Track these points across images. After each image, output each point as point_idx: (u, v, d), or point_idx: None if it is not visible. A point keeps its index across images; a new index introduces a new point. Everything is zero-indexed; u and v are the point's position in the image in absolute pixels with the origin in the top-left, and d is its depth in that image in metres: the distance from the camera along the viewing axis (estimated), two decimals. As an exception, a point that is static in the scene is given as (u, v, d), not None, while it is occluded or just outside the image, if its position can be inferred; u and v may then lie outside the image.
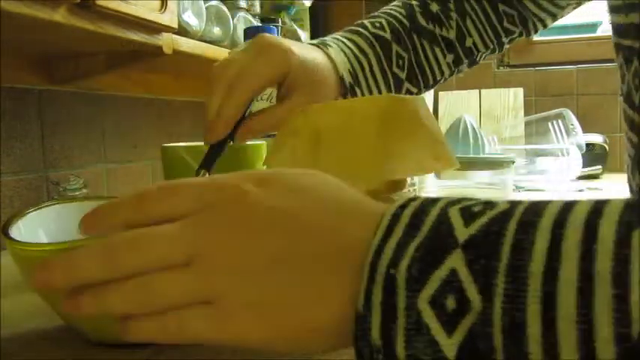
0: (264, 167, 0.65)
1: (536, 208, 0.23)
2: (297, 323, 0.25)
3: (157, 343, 0.27)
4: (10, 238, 0.35)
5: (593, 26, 2.00)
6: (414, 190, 0.86)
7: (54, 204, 0.44)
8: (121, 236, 0.27)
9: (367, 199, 0.28)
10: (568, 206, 0.23)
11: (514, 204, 0.24)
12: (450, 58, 0.63)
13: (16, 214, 0.40)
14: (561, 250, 0.21)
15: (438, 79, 0.64)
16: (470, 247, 0.23)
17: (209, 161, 0.49)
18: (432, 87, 0.65)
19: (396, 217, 0.25)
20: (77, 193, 0.76)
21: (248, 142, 0.67)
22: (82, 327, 0.38)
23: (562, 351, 0.20)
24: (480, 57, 0.66)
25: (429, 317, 0.22)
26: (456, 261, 0.22)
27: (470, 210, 0.24)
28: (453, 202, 0.25)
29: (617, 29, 0.47)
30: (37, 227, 0.41)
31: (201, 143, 0.65)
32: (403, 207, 0.25)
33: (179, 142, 0.66)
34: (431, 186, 1.15)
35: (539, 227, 0.22)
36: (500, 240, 0.22)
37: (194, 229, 0.26)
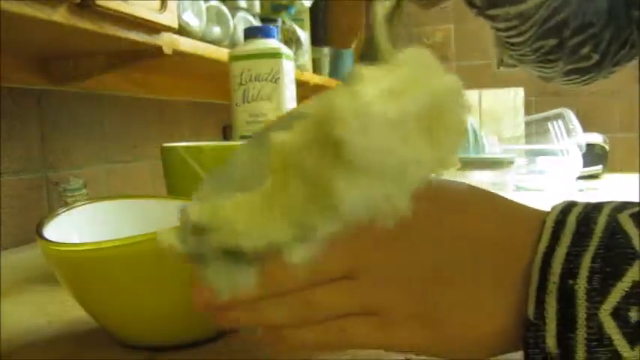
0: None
1: None
2: (461, 333, 0.26)
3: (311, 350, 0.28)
4: (45, 239, 0.36)
5: (593, 26, 1.99)
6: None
7: (84, 204, 0.45)
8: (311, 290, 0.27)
9: (520, 203, 0.28)
10: None
11: None
12: None
13: (48, 215, 0.40)
14: None
15: None
16: None
17: None
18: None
19: (560, 224, 0.25)
20: (77, 193, 0.76)
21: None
22: (111, 328, 0.38)
23: None
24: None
25: (612, 329, 0.22)
26: (638, 272, 0.22)
27: None
28: (618, 207, 0.25)
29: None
30: (69, 228, 0.41)
31: (202, 143, 0.65)
32: (565, 212, 0.25)
33: (179, 142, 0.66)
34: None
35: None
36: None
37: (356, 243, 0.26)
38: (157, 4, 0.75)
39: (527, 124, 1.65)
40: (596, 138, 1.53)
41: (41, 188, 0.87)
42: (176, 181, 0.63)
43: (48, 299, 0.51)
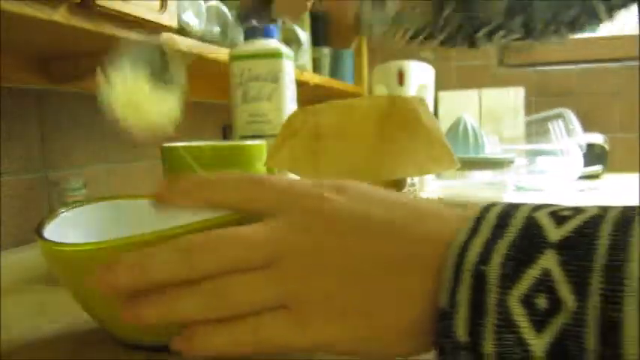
0: (265, 167, 0.65)
1: (630, 212, 0.23)
2: (382, 324, 0.26)
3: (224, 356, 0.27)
4: (44, 239, 0.36)
5: (593, 26, 1.99)
6: (414, 190, 0.86)
7: (84, 204, 0.45)
8: (197, 237, 0.27)
9: (443, 204, 0.28)
10: None
11: (604, 208, 0.24)
12: None
13: (48, 215, 0.40)
14: None
15: None
16: (563, 248, 0.22)
17: None
18: None
19: (480, 219, 0.25)
20: (77, 193, 0.76)
21: (248, 142, 0.67)
22: (110, 327, 0.38)
23: None
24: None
25: (519, 316, 0.22)
26: (549, 260, 0.22)
27: (559, 213, 0.24)
28: (537, 207, 0.25)
29: None
30: (69, 228, 0.41)
31: (201, 143, 0.66)
32: (486, 210, 0.26)
33: (179, 142, 0.66)
34: (431, 186, 1.15)
35: (635, 228, 0.22)
36: (595, 241, 0.22)
37: (275, 232, 0.26)
38: (157, 4, 0.75)
39: (527, 124, 1.65)
40: (596, 138, 1.53)
41: (41, 188, 0.87)
42: (176, 181, 0.63)
43: (48, 299, 0.51)
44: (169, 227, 0.33)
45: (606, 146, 1.53)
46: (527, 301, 0.22)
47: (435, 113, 1.78)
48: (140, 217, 0.46)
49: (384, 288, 0.25)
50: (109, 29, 0.68)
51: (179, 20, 0.85)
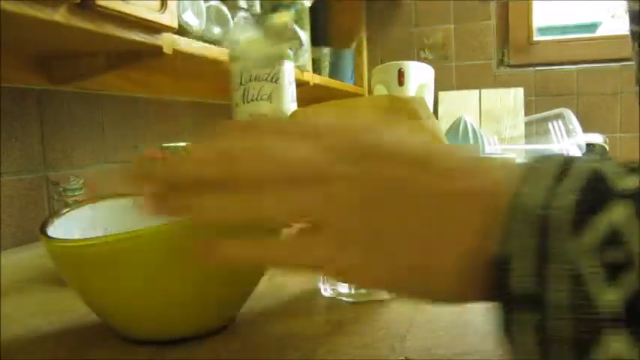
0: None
1: None
2: (415, 263, 0.24)
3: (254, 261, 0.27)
4: (50, 237, 0.36)
5: (592, 26, 2.00)
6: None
7: (85, 204, 0.45)
8: (243, 142, 0.26)
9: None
10: None
11: None
12: None
13: (52, 215, 0.41)
14: None
15: None
16: (634, 198, 0.20)
17: None
18: None
19: (535, 168, 0.23)
20: (77, 193, 0.76)
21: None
22: (115, 324, 0.39)
23: None
24: None
25: (587, 268, 0.20)
26: (619, 212, 0.20)
27: (624, 166, 0.22)
28: (597, 159, 0.23)
29: (633, 16, 0.47)
30: (71, 227, 0.42)
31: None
32: (539, 161, 0.24)
33: (179, 142, 0.66)
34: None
35: None
36: None
37: (326, 153, 0.25)
38: (157, 4, 0.75)
39: (527, 124, 1.66)
40: (596, 138, 1.53)
41: (41, 188, 0.87)
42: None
43: (48, 299, 0.51)
44: (171, 222, 0.34)
45: (606, 146, 1.53)
46: (598, 254, 0.20)
47: (435, 113, 1.78)
48: (140, 216, 0.46)
49: (433, 225, 0.24)
50: (109, 29, 0.68)
51: (179, 20, 0.85)
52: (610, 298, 0.20)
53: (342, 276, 0.26)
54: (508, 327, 0.22)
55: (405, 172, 0.24)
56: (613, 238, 0.20)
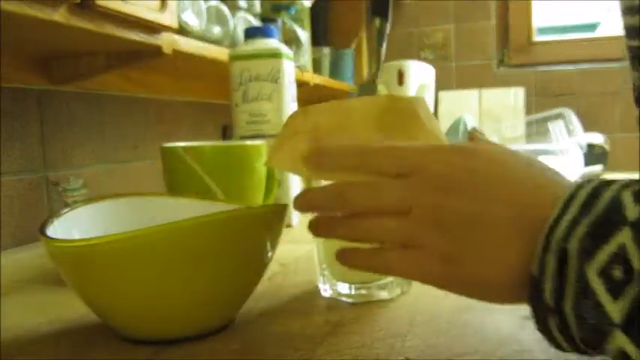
0: (264, 167, 0.65)
1: None
2: (476, 276, 0.31)
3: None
4: (49, 237, 0.36)
5: (592, 26, 2.00)
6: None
7: (85, 204, 0.46)
8: (352, 182, 0.35)
9: (554, 172, 0.32)
10: None
11: None
12: None
13: (52, 216, 0.41)
14: None
15: None
16: (638, 224, 0.25)
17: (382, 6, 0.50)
18: None
19: (572, 196, 0.28)
20: (77, 193, 0.76)
21: (248, 142, 0.67)
22: (115, 324, 0.39)
23: None
24: None
25: (597, 284, 0.25)
26: (624, 237, 0.25)
27: None
28: (627, 184, 0.28)
29: (628, 31, 0.47)
30: (71, 228, 0.42)
31: (202, 143, 0.65)
32: (580, 187, 0.29)
33: (179, 142, 0.66)
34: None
35: None
36: None
37: (412, 188, 0.33)
38: (157, 4, 0.75)
39: (528, 124, 1.65)
40: (596, 138, 1.53)
41: (41, 188, 0.87)
42: (176, 180, 0.63)
43: (48, 299, 0.51)
44: (171, 221, 0.34)
45: (606, 146, 1.53)
46: (604, 273, 0.25)
47: (435, 113, 1.78)
48: (140, 215, 0.46)
49: (489, 245, 0.30)
50: (108, 29, 0.68)
51: (179, 20, 0.85)
52: (615, 308, 0.25)
53: (432, 282, 0.33)
54: (542, 327, 0.29)
55: (481, 207, 0.31)
56: (618, 259, 0.25)
